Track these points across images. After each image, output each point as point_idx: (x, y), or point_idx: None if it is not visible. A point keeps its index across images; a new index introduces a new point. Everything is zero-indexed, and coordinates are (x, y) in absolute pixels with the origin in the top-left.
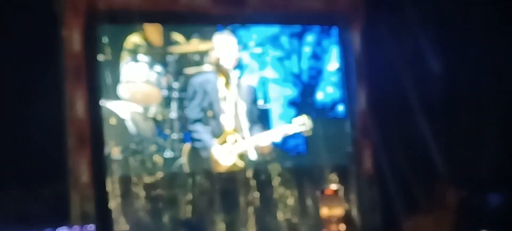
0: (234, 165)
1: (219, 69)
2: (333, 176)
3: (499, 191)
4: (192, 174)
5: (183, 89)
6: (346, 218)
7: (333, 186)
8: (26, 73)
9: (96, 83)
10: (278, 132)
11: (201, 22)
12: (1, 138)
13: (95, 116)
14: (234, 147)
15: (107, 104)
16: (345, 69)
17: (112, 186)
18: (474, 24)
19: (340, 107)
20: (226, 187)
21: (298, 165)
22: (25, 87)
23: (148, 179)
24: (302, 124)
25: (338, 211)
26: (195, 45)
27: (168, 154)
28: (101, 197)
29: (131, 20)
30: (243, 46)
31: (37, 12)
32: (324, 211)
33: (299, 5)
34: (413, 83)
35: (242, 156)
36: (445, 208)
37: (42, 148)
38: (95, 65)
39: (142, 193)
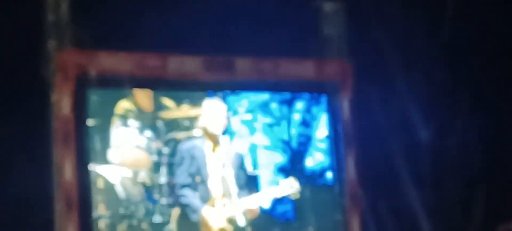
0: (223, 230)
1: (208, 134)
2: None
3: None
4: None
5: (172, 154)
6: None
7: None
8: (14, 137)
9: (85, 148)
10: (266, 194)
11: (191, 88)
12: None
13: (84, 180)
14: (223, 212)
15: (96, 168)
16: (334, 136)
17: None
18: (464, 93)
19: (329, 175)
20: None
21: None
22: (13, 151)
23: None
24: (290, 186)
25: None
26: (185, 110)
27: (157, 219)
28: None
29: (121, 85)
30: (233, 112)
31: (26, 75)
32: None
33: (288, 72)
34: (401, 151)
35: (231, 221)
36: None
37: (30, 213)
38: (84, 129)
39: None
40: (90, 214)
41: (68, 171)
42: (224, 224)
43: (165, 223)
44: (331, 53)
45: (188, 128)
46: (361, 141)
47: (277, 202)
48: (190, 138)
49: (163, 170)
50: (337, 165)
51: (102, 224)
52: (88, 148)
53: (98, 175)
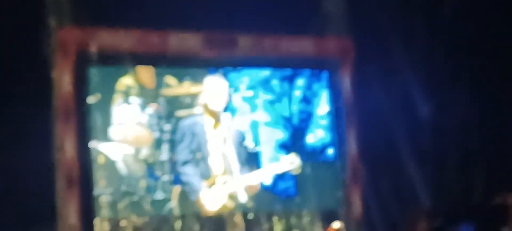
0: (224, 207)
1: (208, 111)
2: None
3: (470, 222)
4: (181, 217)
5: (174, 131)
6: None
7: (336, 225)
8: (15, 115)
9: (86, 125)
10: (267, 170)
11: (192, 64)
12: None
13: (85, 158)
14: (224, 188)
15: (97, 145)
16: (335, 112)
17: (101, 228)
18: (464, 70)
19: (330, 151)
20: (216, 230)
21: (288, 208)
22: (14, 129)
23: (137, 222)
24: (291, 162)
25: None
26: (187, 87)
27: (159, 195)
28: None
29: (122, 62)
30: (234, 89)
31: (27, 53)
32: None
33: (289, 49)
34: (402, 127)
35: (232, 197)
36: None
37: (30, 190)
38: (85, 106)
39: None
40: (91, 191)
41: (69, 148)
42: (225, 200)
43: (167, 200)
44: (331, 30)
45: (190, 105)
46: (362, 117)
47: (279, 178)
48: (190, 115)
49: (165, 146)
50: (338, 141)
51: (103, 200)
52: (89, 125)
53: (99, 152)
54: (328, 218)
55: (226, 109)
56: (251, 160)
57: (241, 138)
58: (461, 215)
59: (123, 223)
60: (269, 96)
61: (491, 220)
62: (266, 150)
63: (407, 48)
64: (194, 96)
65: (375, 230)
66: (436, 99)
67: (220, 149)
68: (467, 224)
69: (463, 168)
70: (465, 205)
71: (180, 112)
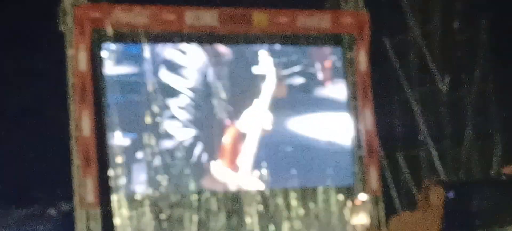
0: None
1: None
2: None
3: (484, 192)
4: (198, 193)
5: None
6: (370, 225)
7: (362, 197)
8: (33, 93)
9: (103, 103)
10: None
11: (207, 41)
12: (8, 159)
13: (101, 135)
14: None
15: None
16: (351, 88)
17: (118, 204)
18: (480, 43)
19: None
20: (234, 206)
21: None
22: (32, 107)
23: (153, 198)
24: None
25: (364, 218)
26: None
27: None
28: (107, 215)
29: (137, 39)
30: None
31: (44, 32)
32: (354, 218)
33: (305, 25)
34: (418, 102)
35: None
36: (429, 208)
37: (49, 168)
38: (101, 84)
39: (147, 211)
40: (107, 168)
41: (85, 126)
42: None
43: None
44: (347, 5)
45: None
46: (378, 92)
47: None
48: None
49: None
50: (355, 117)
51: (119, 177)
52: (105, 103)
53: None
54: (345, 194)
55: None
56: None
57: None
58: (475, 186)
59: (139, 198)
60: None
61: (504, 191)
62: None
63: (423, 23)
64: None
65: (392, 204)
66: (453, 73)
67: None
68: (480, 195)
69: (479, 141)
70: (479, 177)
71: None
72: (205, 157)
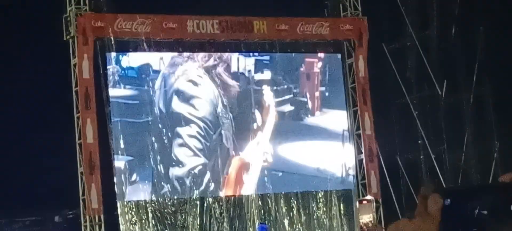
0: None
1: None
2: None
3: (481, 199)
4: (202, 199)
5: None
6: (373, 224)
7: (368, 197)
8: (37, 101)
9: (107, 110)
10: None
11: (209, 49)
12: (13, 167)
13: (105, 142)
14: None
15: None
16: (350, 93)
17: (122, 210)
18: (478, 49)
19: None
20: (236, 211)
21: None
22: (37, 115)
23: (158, 204)
24: None
25: (369, 217)
26: None
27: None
28: (112, 222)
29: (139, 48)
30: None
31: (48, 41)
32: (360, 217)
33: (305, 32)
34: (417, 107)
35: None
36: (426, 215)
37: (54, 175)
38: (105, 92)
39: (152, 218)
40: (112, 175)
41: (89, 133)
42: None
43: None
44: (346, 12)
45: None
46: (377, 97)
47: None
48: None
49: None
50: (354, 122)
51: (124, 184)
52: (109, 110)
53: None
54: (346, 197)
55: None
56: None
57: None
58: (473, 193)
59: (144, 205)
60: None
61: (502, 198)
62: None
63: (421, 28)
64: None
65: (391, 208)
66: (451, 78)
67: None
68: (478, 202)
69: (477, 146)
70: (477, 183)
71: None
72: (212, 185)
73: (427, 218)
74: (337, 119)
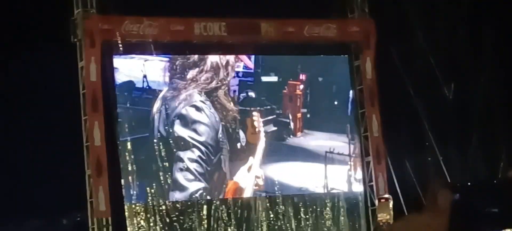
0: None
1: None
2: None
3: (491, 194)
4: (209, 202)
5: None
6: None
7: (385, 195)
8: (45, 103)
9: (114, 113)
10: None
11: (216, 51)
12: (20, 169)
13: (113, 144)
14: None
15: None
16: (358, 95)
17: (130, 213)
18: (486, 49)
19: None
20: (243, 214)
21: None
22: (44, 117)
23: (165, 207)
24: None
25: (386, 215)
26: None
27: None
28: (120, 224)
29: (146, 50)
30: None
31: (55, 44)
32: (378, 214)
33: (312, 34)
34: (425, 108)
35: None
36: (436, 210)
37: (61, 177)
38: (112, 95)
39: (159, 220)
40: (119, 178)
41: (97, 136)
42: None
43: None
44: (354, 14)
45: None
46: (384, 99)
47: None
48: None
49: None
50: (362, 123)
51: (131, 186)
52: (116, 113)
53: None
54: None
55: None
56: None
57: None
58: (482, 189)
59: (152, 208)
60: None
61: (511, 193)
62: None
63: (429, 29)
64: None
65: (400, 210)
66: (459, 79)
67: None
68: (488, 197)
69: (487, 147)
70: (487, 180)
71: None
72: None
73: (436, 212)
74: (319, 140)
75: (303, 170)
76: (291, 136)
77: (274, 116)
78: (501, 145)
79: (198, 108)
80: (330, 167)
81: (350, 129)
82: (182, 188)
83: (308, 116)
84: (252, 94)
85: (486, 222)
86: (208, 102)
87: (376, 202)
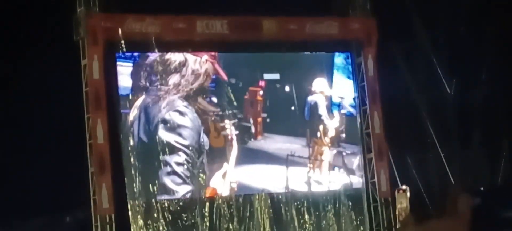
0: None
1: None
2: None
3: (510, 200)
4: (210, 199)
5: None
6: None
7: (403, 187)
8: (48, 102)
9: (117, 111)
10: None
11: (218, 49)
12: (24, 167)
13: (116, 142)
14: None
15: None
16: (359, 93)
17: (133, 211)
18: (488, 47)
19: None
20: (244, 210)
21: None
22: (47, 116)
23: (168, 204)
24: None
25: (404, 204)
26: None
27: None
28: (123, 222)
29: (149, 48)
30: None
31: (58, 42)
32: (397, 204)
33: (314, 32)
34: (426, 106)
35: None
36: (457, 216)
37: (64, 176)
38: (115, 93)
39: (162, 218)
40: (122, 175)
41: (100, 134)
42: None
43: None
44: (355, 11)
45: None
46: (386, 97)
47: None
48: None
49: None
50: (363, 121)
51: (134, 183)
52: (119, 111)
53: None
54: (355, 197)
55: None
56: None
57: None
58: (503, 194)
59: (155, 205)
60: None
61: None
62: None
63: (430, 27)
64: None
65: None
66: (460, 77)
67: None
68: (507, 203)
69: (489, 145)
70: (506, 184)
71: None
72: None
73: (457, 218)
74: (279, 143)
75: (265, 172)
76: (252, 139)
77: (236, 120)
78: (504, 141)
79: (181, 113)
80: (291, 169)
81: (309, 133)
82: (171, 192)
83: (268, 120)
84: (214, 99)
85: (507, 227)
86: (190, 107)
87: (396, 192)
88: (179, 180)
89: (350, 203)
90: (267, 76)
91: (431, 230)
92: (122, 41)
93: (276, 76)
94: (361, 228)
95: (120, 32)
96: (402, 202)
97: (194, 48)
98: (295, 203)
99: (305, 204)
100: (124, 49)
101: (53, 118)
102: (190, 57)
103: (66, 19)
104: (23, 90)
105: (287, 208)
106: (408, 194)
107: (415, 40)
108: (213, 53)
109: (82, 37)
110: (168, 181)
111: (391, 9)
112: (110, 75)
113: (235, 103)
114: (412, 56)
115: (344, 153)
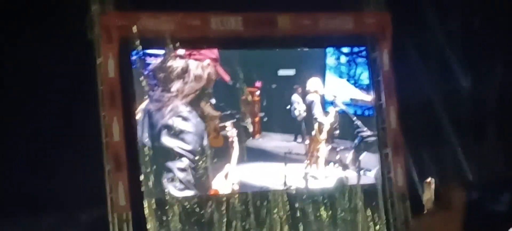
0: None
1: None
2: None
3: (506, 193)
4: (231, 195)
5: None
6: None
7: (428, 179)
8: (63, 100)
9: (132, 108)
10: None
11: (232, 46)
12: (39, 165)
13: (131, 139)
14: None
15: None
16: (375, 87)
17: (150, 208)
18: (502, 40)
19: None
20: (260, 206)
21: None
22: (63, 114)
23: (184, 201)
24: None
25: (429, 195)
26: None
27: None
28: (139, 219)
29: (163, 45)
30: None
31: (72, 40)
32: (424, 195)
33: (328, 26)
34: (441, 100)
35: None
36: (452, 209)
37: (80, 173)
38: (130, 90)
39: (178, 215)
40: (139, 173)
41: (115, 131)
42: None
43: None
44: (369, 6)
45: None
46: (401, 91)
47: None
48: None
49: None
50: (379, 115)
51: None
52: (135, 109)
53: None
54: (370, 192)
55: None
56: None
57: None
58: (496, 188)
59: (170, 202)
60: None
61: None
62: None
63: (444, 21)
64: None
65: (419, 201)
66: (475, 70)
67: None
68: (502, 196)
69: (502, 139)
70: (502, 177)
71: None
72: None
73: (451, 211)
74: (277, 142)
75: (264, 170)
76: (251, 138)
77: (235, 120)
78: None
79: (184, 118)
80: (289, 165)
81: (305, 131)
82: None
83: (265, 119)
84: (213, 100)
85: (500, 220)
86: (193, 112)
87: (424, 184)
88: (181, 186)
89: (365, 198)
90: (282, 72)
91: (425, 222)
92: (137, 39)
93: (291, 72)
94: (377, 223)
95: (134, 29)
96: (428, 193)
97: (209, 45)
98: (310, 200)
99: (322, 200)
100: (140, 47)
101: (68, 116)
102: (192, 62)
103: (80, 18)
104: (38, 89)
105: (303, 206)
106: (433, 186)
107: (430, 33)
108: (214, 56)
109: (97, 36)
110: (171, 187)
111: (405, 3)
112: (125, 73)
113: (233, 103)
114: (427, 50)
115: (338, 149)
